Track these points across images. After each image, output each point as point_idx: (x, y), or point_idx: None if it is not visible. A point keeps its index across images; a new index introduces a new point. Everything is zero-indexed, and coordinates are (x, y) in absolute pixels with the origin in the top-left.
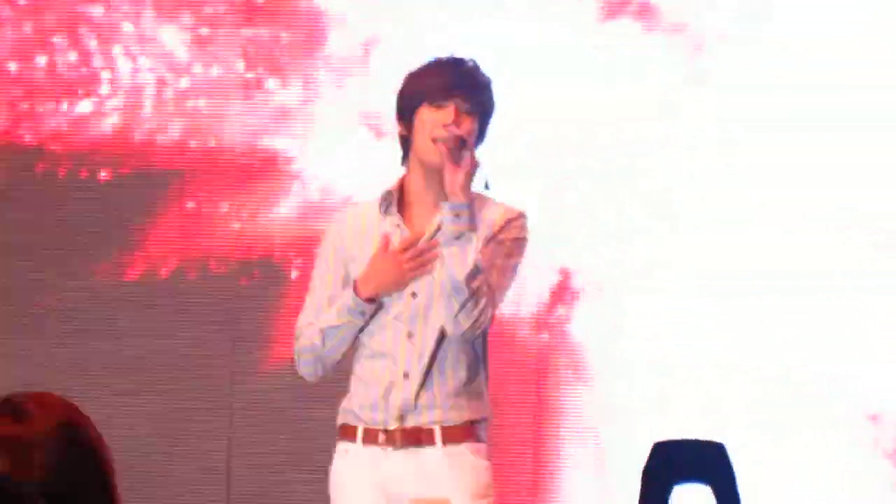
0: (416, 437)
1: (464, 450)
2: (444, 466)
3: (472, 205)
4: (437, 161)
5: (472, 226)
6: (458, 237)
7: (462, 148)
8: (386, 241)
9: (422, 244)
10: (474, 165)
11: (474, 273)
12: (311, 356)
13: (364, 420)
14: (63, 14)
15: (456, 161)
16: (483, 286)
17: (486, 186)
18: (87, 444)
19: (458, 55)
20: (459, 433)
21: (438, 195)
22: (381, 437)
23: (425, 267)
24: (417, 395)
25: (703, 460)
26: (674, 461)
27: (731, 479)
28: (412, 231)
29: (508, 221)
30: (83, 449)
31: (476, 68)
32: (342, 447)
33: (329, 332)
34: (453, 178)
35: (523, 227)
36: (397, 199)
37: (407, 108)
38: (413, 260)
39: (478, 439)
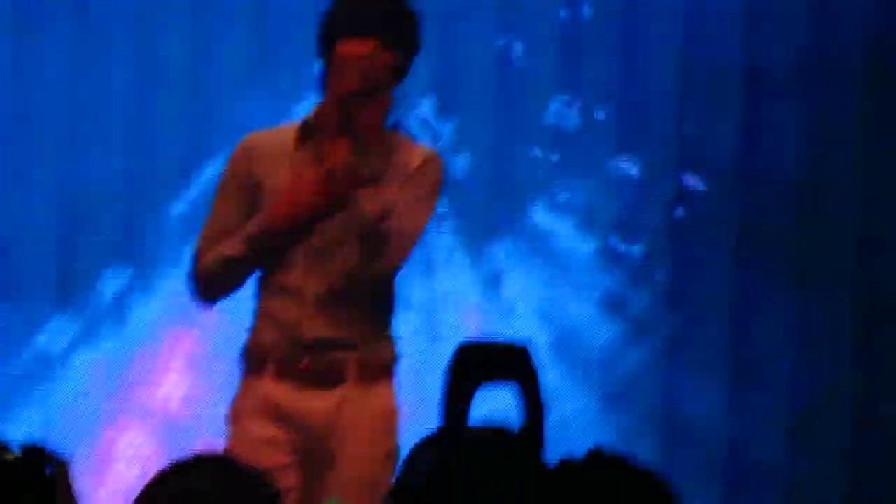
0: (328, 373)
1: (374, 390)
2: (352, 405)
3: (385, 144)
4: (345, 92)
5: (384, 167)
6: (369, 178)
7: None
8: (300, 173)
9: (337, 176)
10: (387, 105)
11: (386, 215)
12: (209, 283)
13: (274, 355)
14: None
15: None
16: (394, 228)
17: (398, 126)
18: None
19: None
20: (372, 372)
21: (350, 128)
22: (292, 372)
23: (338, 198)
24: (328, 332)
25: (508, 362)
26: (478, 362)
27: (535, 381)
28: (327, 164)
29: (425, 163)
30: None
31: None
32: (247, 382)
33: (232, 261)
34: (365, 117)
35: (440, 170)
36: (312, 130)
37: (327, 38)
38: (327, 190)
39: (389, 380)
